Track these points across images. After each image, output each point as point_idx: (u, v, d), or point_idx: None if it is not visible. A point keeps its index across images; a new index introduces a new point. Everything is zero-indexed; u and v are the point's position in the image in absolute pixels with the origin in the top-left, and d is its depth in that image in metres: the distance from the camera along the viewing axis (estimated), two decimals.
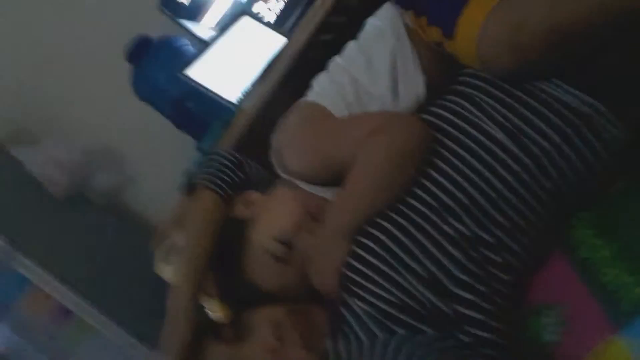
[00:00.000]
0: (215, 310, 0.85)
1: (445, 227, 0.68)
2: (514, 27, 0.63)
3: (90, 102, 1.83)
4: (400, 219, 0.70)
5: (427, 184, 0.70)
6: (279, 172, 0.86)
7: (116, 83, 1.69)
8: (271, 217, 0.82)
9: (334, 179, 0.77)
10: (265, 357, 0.74)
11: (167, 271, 1.64)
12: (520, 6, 0.64)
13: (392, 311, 0.67)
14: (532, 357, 0.66)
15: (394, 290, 0.67)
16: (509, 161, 0.67)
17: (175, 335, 0.77)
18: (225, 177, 0.89)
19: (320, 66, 0.98)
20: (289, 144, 0.82)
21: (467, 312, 0.66)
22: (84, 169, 1.85)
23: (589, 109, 0.66)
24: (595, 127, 0.66)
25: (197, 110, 1.53)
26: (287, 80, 1.38)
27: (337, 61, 0.87)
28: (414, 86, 0.79)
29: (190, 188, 0.93)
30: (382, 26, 0.82)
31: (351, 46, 0.87)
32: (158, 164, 1.85)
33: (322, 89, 0.84)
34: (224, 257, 0.84)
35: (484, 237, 0.67)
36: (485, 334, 0.65)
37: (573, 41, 0.62)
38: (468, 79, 0.75)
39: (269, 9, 1.50)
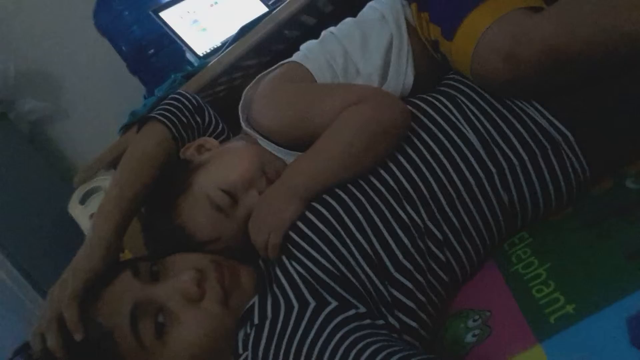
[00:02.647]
0: None
1: (400, 212, 0.66)
2: (515, 39, 0.63)
3: (40, 20, 1.67)
4: (358, 194, 0.67)
5: (393, 167, 0.69)
6: (244, 125, 0.82)
7: (75, 7, 1.57)
8: (223, 166, 0.77)
9: (302, 141, 0.74)
10: (178, 302, 0.65)
11: (81, 213, 1.52)
12: (525, 21, 0.65)
13: (330, 281, 0.64)
14: (451, 354, 0.65)
15: (336, 261, 0.64)
16: (475, 165, 0.68)
17: (86, 261, 0.69)
18: (182, 117, 0.83)
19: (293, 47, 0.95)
20: (265, 97, 0.78)
21: (401, 297, 0.64)
22: (14, 88, 1.69)
23: (559, 136, 0.68)
24: (561, 155, 0.67)
25: (158, 56, 1.45)
26: (258, 50, 1.34)
27: (331, 31, 0.84)
28: (402, 77, 0.78)
29: (139, 125, 0.85)
30: (384, 12, 0.80)
31: (348, 21, 0.85)
32: (97, 102, 1.73)
33: (311, 54, 0.81)
34: (160, 196, 0.77)
35: (434, 231, 0.67)
36: (412, 323, 0.64)
37: (567, 66, 0.63)
38: (454, 82, 0.75)
39: None
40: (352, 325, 0.59)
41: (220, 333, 0.66)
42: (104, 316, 0.64)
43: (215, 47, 1.31)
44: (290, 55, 0.88)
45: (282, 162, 0.78)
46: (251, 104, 0.80)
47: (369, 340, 0.56)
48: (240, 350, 0.64)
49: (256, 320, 0.64)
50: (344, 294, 0.63)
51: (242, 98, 0.83)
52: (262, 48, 1.30)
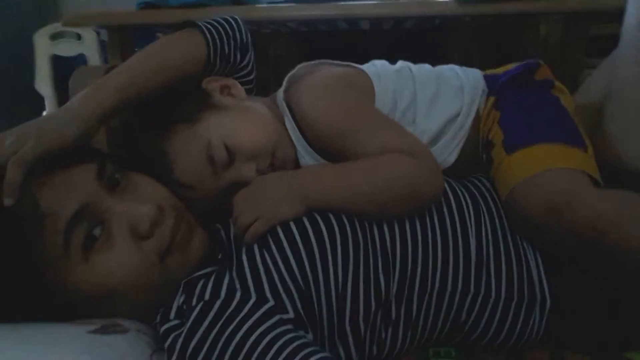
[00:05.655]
0: None
1: (381, 277, 0.63)
2: (568, 198, 0.63)
3: None
4: (360, 236, 0.63)
5: (397, 233, 0.65)
6: (281, 97, 0.74)
7: None
8: (240, 123, 0.69)
9: (330, 149, 0.69)
10: (123, 227, 0.58)
11: (45, 45, 1.34)
12: (585, 189, 0.64)
13: (294, 291, 0.58)
14: None
15: (309, 277, 0.59)
16: (460, 277, 0.65)
17: (58, 128, 0.58)
18: (225, 46, 0.74)
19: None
20: (323, 88, 0.71)
21: (340, 349, 0.62)
22: None
23: (540, 296, 0.67)
24: (530, 313, 0.67)
25: None
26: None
27: (410, 68, 0.78)
28: (446, 154, 0.74)
29: (182, 26, 0.75)
30: (464, 85, 0.77)
31: (429, 70, 0.80)
32: None
33: (384, 77, 0.75)
34: (162, 113, 0.68)
35: (392, 308, 0.64)
36: None
37: (595, 247, 0.62)
38: (486, 193, 0.72)
39: None
40: (300, 342, 0.53)
41: (142, 281, 0.58)
42: (46, 199, 0.55)
43: None
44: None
45: (294, 153, 0.72)
46: (302, 82, 0.73)
47: (314, 349, 0.53)
48: (172, 316, 0.57)
49: (207, 296, 0.57)
50: (301, 310, 0.58)
51: (295, 70, 0.76)
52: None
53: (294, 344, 0.52)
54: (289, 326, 0.55)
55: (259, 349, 0.52)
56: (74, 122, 0.58)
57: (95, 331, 0.53)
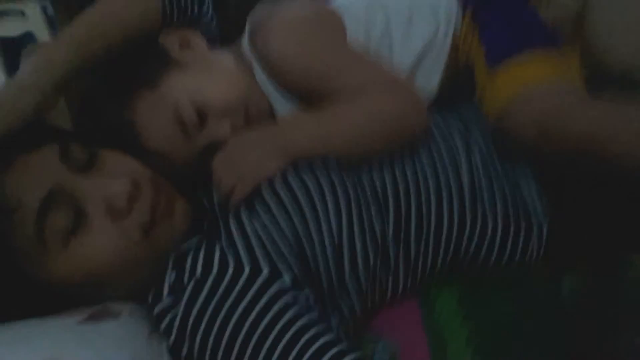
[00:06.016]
0: None
1: (375, 222, 0.60)
2: (560, 113, 0.59)
3: None
4: (348, 184, 0.60)
5: (386, 175, 0.62)
6: (247, 45, 0.69)
7: None
8: (205, 80, 0.65)
9: (305, 94, 0.65)
10: (98, 208, 0.54)
11: None
12: (577, 103, 0.61)
13: (286, 252, 0.55)
14: None
15: (302, 238, 0.56)
16: (455, 212, 0.63)
17: (11, 102, 0.54)
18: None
19: None
20: (291, 33, 0.65)
21: (343, 306, 0.59)
22: None
23: (536, 221, 0.65)
24: (528, 241, 0.65)
25: None
26: None
27: None
28: (427, 84, 0.70)
29: None
30: (438, 7, 0.71)
31: None
32: None
33: (353, 10, 0.70)
34: (120, 79, 0.63)
35: (389, 253, 0.62)
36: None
37: (589, 160, 0.59)
38: (470, 124, 0.68)
39: None
40: (303, 322, 0.51)
41: (128, 261, 0.55)
42: (10, 189, 0.51)
43: None
44: None
45: (268, 104, 0.68)
46: (267, 27, 0.67)
47: (318, 330, 0.50)
48: (165, 295, 0.55)
49: (198, 273, 0.54)
50: (298, 273, 0.55)
51: (256, 12, 0.70)
52: None
53: (298, 324, 0.50)
54: (289, 298, 0.52)
55: (260, 329, 0.49)
56: (30, 93, 0.54)
57: (85, 320, 0.50)
